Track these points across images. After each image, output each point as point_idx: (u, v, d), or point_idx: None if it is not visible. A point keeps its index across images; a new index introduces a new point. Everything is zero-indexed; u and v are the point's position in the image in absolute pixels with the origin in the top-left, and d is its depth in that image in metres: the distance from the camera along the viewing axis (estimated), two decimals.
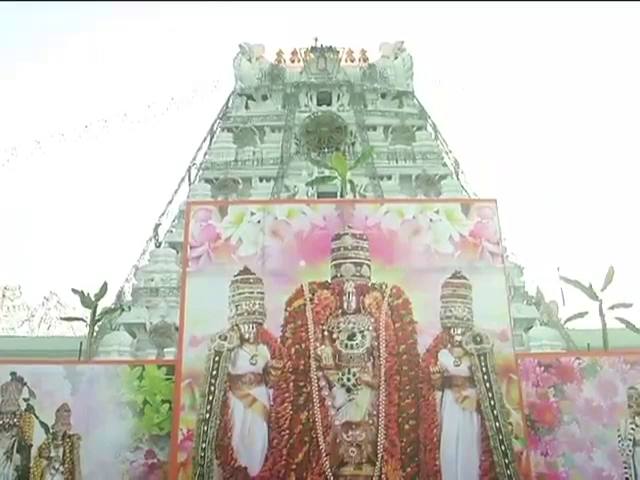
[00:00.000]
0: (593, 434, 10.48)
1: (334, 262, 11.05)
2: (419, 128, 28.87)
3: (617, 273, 16.46)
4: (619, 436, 10.52)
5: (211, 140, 28.96)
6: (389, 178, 26.73)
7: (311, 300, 10.82)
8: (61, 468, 10.29)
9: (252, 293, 10.86)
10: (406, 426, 10.29)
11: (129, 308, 22.14)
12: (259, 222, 11.50)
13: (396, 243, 11.28)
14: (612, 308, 15.69)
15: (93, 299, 17.59)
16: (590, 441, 10.43)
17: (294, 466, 10.11)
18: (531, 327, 21.21)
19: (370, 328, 10.69)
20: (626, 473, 10.33)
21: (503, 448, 10.19)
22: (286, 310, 10.78)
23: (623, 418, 10.61)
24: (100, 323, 20.41)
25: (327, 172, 20.24)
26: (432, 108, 30.29)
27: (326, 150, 26.80)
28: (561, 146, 57.36)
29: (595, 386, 10.74)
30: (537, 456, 10.32)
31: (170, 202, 26.41)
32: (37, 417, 10.54)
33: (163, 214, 26.04)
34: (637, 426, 10.58)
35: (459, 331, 10.78)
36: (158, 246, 24.80)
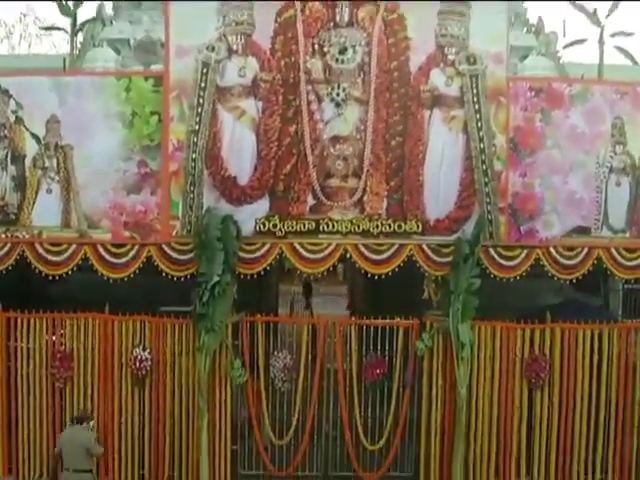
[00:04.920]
0: (572, 159, 10.70)
1: None
2: None
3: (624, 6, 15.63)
4: (597, 163, 10.78)
5: None
6: None
7: (302, 11, 10.30)
8: (57, 177, 10.55)
9: (240, 2, 10.29)
10: (393, 142, 10.49)
11: (111, 22, 20.97)
12: None
13: None
14: (613, 36, 15.22)
15: (71, 7, 16.67)
16: (569, 165, 10.69)
17: (282, 177, 10.47)
18: (527, 56, 20.62)
19: (362, 43, 10.34)
20: (597, 197, 10.79)
21: (484, 167, 10.53)
22: (276, 21, 10.32)
23: (604, 146, 10.78)
24: (82, 40, 19.55)
25: None
26: None
27: None
28: None
29: (582, 113, 10.72)
30: (515, 177, 10.63)
31: None
32: (27, 129, 10.55)
33: None
34: (616, 154, 10.81)
35: (453, 50, 10.47)
36: None
